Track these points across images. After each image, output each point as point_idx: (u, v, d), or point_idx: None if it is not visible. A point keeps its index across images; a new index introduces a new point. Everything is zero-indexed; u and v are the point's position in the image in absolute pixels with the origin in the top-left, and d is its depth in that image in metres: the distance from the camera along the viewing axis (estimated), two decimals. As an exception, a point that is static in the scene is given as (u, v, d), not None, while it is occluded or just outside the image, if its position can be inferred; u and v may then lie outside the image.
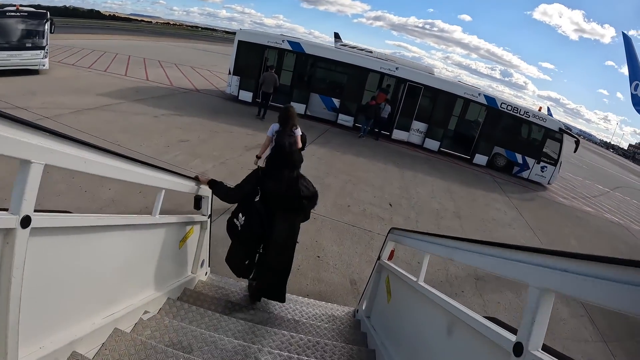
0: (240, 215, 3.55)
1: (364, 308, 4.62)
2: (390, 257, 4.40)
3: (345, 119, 17.17)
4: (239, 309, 4.11)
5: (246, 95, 17.23)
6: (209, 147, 10.70)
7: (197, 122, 12.88)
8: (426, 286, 2.89)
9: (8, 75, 14.05)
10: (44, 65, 15.45)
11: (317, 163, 11.35)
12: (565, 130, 16.34)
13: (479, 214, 11.14)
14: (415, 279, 3.07)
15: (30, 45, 14.90)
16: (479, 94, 16.59)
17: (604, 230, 13.69)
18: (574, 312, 7.33)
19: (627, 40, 16.08)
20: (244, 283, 5.03)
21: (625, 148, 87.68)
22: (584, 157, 37.93)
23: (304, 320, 4.14)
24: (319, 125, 16.17)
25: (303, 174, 3.90)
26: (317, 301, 5.21)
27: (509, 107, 16.39)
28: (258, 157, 7.02)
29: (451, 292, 6.79)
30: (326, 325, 4.12)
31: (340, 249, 7.12)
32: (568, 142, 16.75)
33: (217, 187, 3.76)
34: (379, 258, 4.52)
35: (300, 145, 6.49)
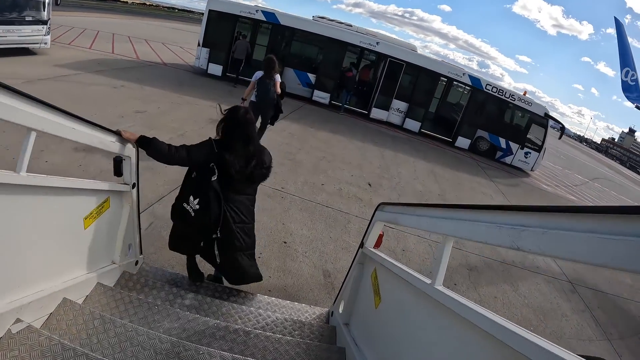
0: (191, 198, 3.02)
1: (340, 311, 3.42)
2: (377, 244, 3.23)
3: (321, 96, 15.82)
4: (170, 317, 2.84)
5: (216, 69, 15.60)
6: (168, 118, 9.22)
7: (159, 93, 11.33)
8: (448, 293, 1.73)
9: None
10: (45, 44, 12.72)
11: (289, 139, 10.06)
12: (551, 115, 15.62)
13: (466, 198, 10.14)
14: (428, 281, 1.90)
15: (31, 19, 12.09)
16: (464, 73, 15.62)
17: None
18: (575, 308, 6.50)
19: (618, 26, 15.44)
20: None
21: (599, 142, 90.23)
22: (560, 148, 38.03)
23: (258, 332, 2.89)
24: (292, 102, 14.75)
25: (263, 145, 3.38)
26: (280, 300, 3.98)
27: (494, 89, 15.52)
28: (244, 99, 7.61)
29: (442, 286, 5.69)
30: (289, 338, 2.89)
31: (311, 233, 5.91)
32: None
33: (152, 144, 2.90)
34: (361, 245, 3.32)
35: (279, 90, 7.49)
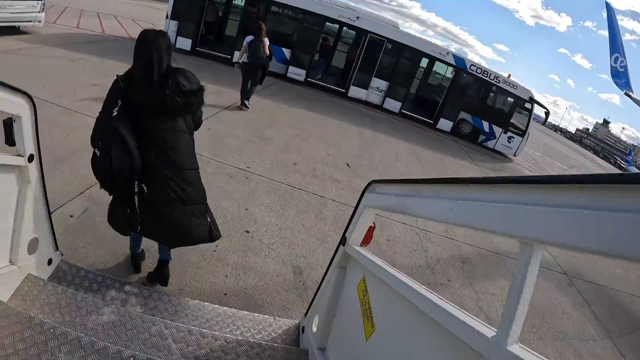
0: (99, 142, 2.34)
1: (314, 329, 2.45)
2: (366, 241, 2.24)
3: (296, 72, 14.59)
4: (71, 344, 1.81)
5: (185, 43, 14.05)
6: None
7: (120, 67, 9.76)
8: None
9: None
10: (39, 22, 10.82)
11: (259, 114, 8.92)
12: (536, 100, 15.02)
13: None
14: (489, 333, 0.92)
15: None
16: (447, 52, 14.72)
17: None
18: (574, 302, 5.97)
19: (609, 12, 14.89)
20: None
21: (573, 132, 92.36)
22: (537, 135, 38.14)
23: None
24: (266, 79, 13.54)
25: (180, 67, 2.62)
26: (235, 311, 2.98)
27: (479, 70, 14.72)
28: (236, 63, 8.43)
29: (435, 282, 4.87)
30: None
31: (280, 220, 4.88)
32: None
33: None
34: (342, 241, 2.33)
35: (267, 52, 8.49)
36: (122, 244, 3.44)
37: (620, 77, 13.36)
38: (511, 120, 15.25)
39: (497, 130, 15.28)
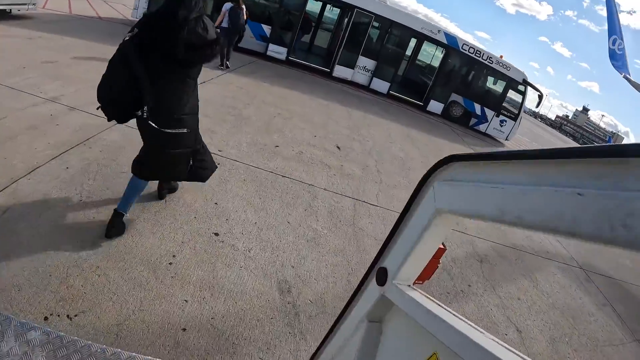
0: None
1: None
2: (426, 274, 1.23)
3: (276, 51, 13.31)
4: None
5: None
6: (81, 69, 6.57)
7: (81, 44, 8.42)
8: None
9: None
10: (33, 5, 9.57)
11: (236, 92, 7.72)
12: (529, 82, 14.26)
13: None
14: None
15: None
16: (439, 30, 13.72)
17: None
18: (597, 302, 5.31)
19: None
20: None
21: (553, 119, 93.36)
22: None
23: None
24: (243, 57, 12.24)
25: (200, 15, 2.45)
26: None
27: (471, 50, 13.81)
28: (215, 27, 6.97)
29: (455, 290, 3.95)
30: None
31: (259, 217, 3.83)
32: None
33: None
34: (379, 275, 1.21)
35: (246, 17, 9.34)
36: (44, 259, 2.40)
37: (617, 59, 12.85)
38: (504, 103, 14.50)
39: (490, 113, 14.51)
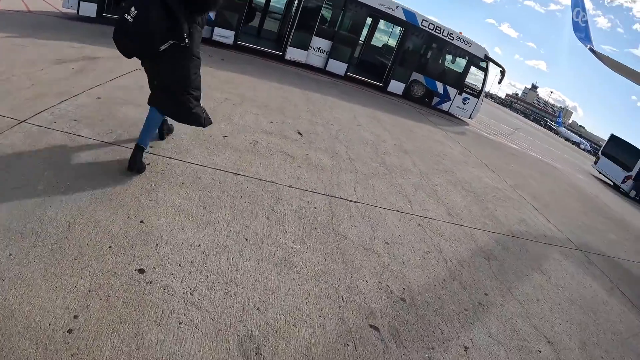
0: (132, 9, 2.74)
1: None
2: None
3: (223, 34, 11.86)
4: None
5: (88, 9, 10.61)
6: None
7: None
8: None
9: None
10: None
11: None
12: (491, 58, 13.77)
13: (425, 148, 7.60)
14: None
15: None
16: (397, 6, 12.83)
17: (543, 170, 12.42)
18: (605, 286, 4.95)
19: None
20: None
21: (503, 97, 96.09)
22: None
23: None
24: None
25: None
26: None
27: (431, 26, 13.06)
28: None
29: (473, 303, 3.04)
30: None
31: (204, 236, 2.68)
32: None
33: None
34: None
35: None
36: None
37: (581, 31, 12.61)
38: (466, 81, 13.97)
39: (452, 91, 13.93)
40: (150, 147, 3.61)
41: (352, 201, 3.95)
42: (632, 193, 19.24)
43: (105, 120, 3.89)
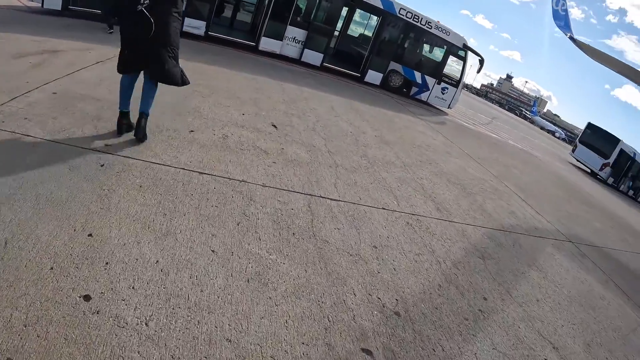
0: None
1: None
2: None
3: (193, 25, 11.16)
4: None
5: (53, 2, 9.82)
6: None
7: None
8: None
9: None
10: None
11: None
12: (470, 47, 13.60)
13: (408, 139, 7.28)
14: None
15: None
16: (374, -6, 12.44)
17: (524, 159, 12.48)
18: (600, 279, 4.85)
19: None
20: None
21: (478, 88, 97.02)
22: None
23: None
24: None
25: None
26: None
27: (409, 15, 12.71)
28: None
29: (472, 310, 2.75)
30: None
31: (162, 250, 2.21)
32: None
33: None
34: None
35: None
36: None
37: (561, 19, 12.62)
38: (445, 70, 13.71)
39: (430, 81, 13.69)
40: (107, 145, 3.14)
41: (334, 199, 3.57)
42: (610, 180, 19.62)
43: (59, 117, 3.36)
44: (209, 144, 3.82)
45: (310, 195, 3.48)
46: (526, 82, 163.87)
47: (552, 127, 57.92)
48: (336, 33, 13.25)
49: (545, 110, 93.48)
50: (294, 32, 12.04)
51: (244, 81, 7.08)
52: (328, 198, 3.55)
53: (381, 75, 13.23)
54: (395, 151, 6.05)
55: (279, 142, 4.52)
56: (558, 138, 52.19)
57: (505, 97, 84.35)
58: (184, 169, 3.20)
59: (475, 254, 3.66)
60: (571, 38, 11.14)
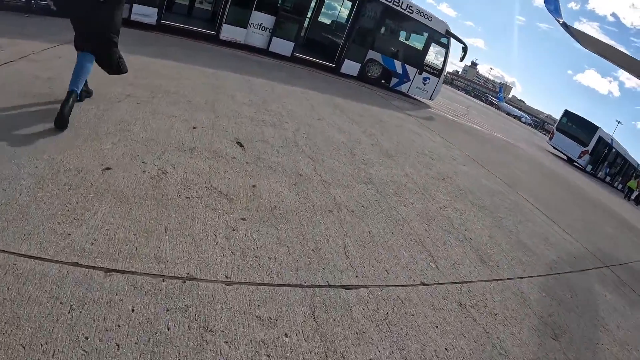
0: None
1: None
2: None
3: (144, 13, 9.22)
4: None
5: None
6: None
7: None
8: None
9: None
10: None
11: (62, 69, 3.95)
12: (453, 33, 12.50)
13: (407, 144, 5.98)
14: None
15: None
16: (348, -25, 10.98)
17: (517, 154, 11.95)
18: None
19: None
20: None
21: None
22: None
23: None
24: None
25: None
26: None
27: None
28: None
29: None
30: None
31: None
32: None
33: None
34: None
35: None
36: None
37: (551, 3, 11.90)
38: (426, 59, 12.50)
39: (412, 71, 12.41)
40: None
41: (350, 287, 2.14)
42: (589, 167, 19.29)
43: None
44: (132, 193, 2.29)
45: (310, 286, 2.02)
46: (491, 68, 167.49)
47: (518, 113, 58.67)
48: (308, 19, 11.73)
49: (510, 96, 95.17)
50: (261, 18, 10.28)
51: (199, 77, 5.49)
52: (341, 286, 2.11)
53: (359, 65, 11.78)
54: (401, 166, 4.71)
55: (248, 174, 3.04)
56: (524, 123, 52.83)
57: (471, 84, 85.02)
58: (76, 265, 1.69)
59: (547, 333, 2.49)
60: (564, 24, 10.14)
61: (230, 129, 3.83)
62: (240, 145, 3.55)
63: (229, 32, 9.96)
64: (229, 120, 4.08)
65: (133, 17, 8.58)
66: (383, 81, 12.38)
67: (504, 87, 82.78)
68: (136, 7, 8.60)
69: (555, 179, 10.19)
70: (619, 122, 46.50)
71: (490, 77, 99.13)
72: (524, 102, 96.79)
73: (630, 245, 7.06)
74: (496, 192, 5.51)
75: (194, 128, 3.52)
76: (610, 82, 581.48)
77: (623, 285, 4.49)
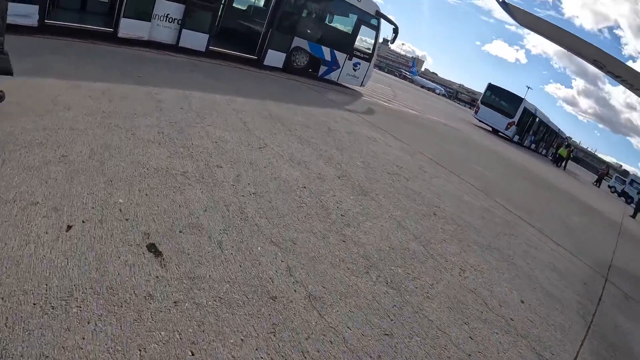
0: None
1: None
2: None
3: (21, 12, 6.52)
4: None
5: None
6: None
7: None
8: None
9: None
10: None
11: None
12: (383, 14, 11.65)
13: (370, 162, 4.94)
14: None
15: None
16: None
17: (461, 138, 11.90)
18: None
19: None
20: None
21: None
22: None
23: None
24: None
25: None
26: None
27: None
28: None
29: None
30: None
31: None
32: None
33: None
34: None
35: None
36: None
37: None
38: (356, 43, 11.55)
39: (341, 57, 11.38)
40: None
41: None
42: (516, 138, 20.02)
43: None
44: None
45: None
46: (402, 44, 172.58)
47: (432, 85, 60.97)
48: (223, 5, 10.06)
49: (423, 69, 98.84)
50: (166, 8, 8.31)
51: (84, 103, 3.80)
52: None
53: (284, 55, 10.40)
54: (385, 208, 3.65)
55: (184, 343, 1.72)
56: (438, 94, 54.95)
57: (384, 60, 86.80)
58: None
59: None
60: (503, 3, 9.60)
61: (132, 213, 2.35)
62: (154, 251, 2.13)
63: (129, 27, 7.86)
64: (130, 189, 2.58)
65: (10, 20, 6.28)
66: (310, 70, 11.17)
67: (417, 61, 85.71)
68: (13, 7, 6.30)
69: (504, 163, 9.96)
70: (529, 88, 50.00)
71: (402, 53, 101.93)
72: (436, 74, 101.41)
73: (603, 238, 7.04)
74: (484, 210, 4.84)
75: (69, 228, 2.05)
76: (517, 50, 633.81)
77: (627, 299, 4.31)
